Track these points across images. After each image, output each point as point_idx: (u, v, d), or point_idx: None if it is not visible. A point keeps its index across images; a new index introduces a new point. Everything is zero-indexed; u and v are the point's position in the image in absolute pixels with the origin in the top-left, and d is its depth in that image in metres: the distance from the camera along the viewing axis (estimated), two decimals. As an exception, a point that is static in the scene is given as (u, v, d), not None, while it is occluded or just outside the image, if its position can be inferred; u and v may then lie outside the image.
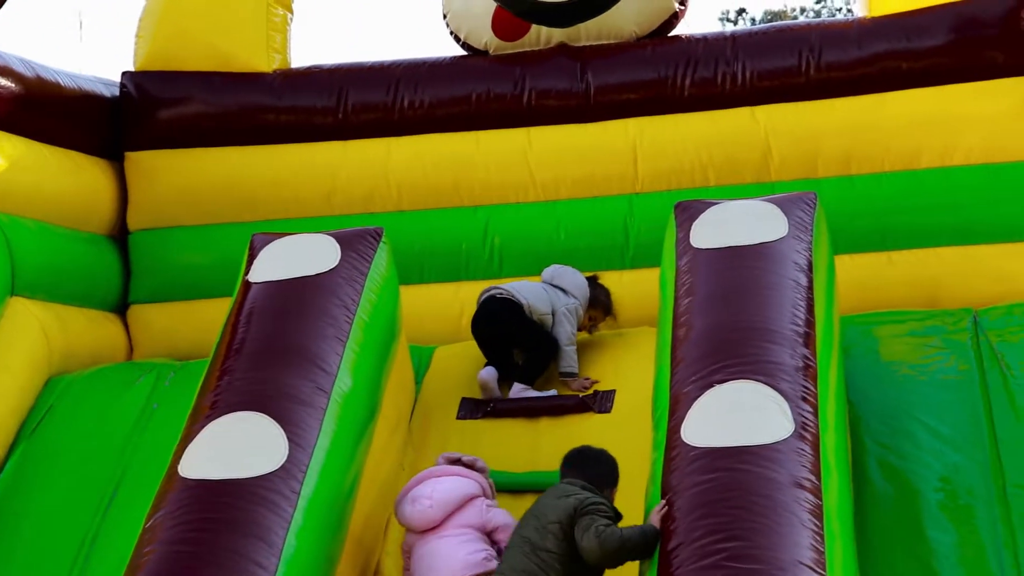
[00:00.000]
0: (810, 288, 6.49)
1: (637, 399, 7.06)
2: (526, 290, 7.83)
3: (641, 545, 5.53)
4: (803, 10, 31.03)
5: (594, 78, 8.78)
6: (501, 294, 7.81)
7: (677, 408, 5.92)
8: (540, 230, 8.79)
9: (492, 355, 7.73)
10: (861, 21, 8.71)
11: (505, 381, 7.67)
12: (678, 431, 5.77)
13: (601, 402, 7.55)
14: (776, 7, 31.51)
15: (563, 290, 7.89)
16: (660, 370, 6.36)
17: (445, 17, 9.08)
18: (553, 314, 7.78)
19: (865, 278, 8.40)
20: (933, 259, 8.31)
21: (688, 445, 5.67)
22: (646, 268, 8.24)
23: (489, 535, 6.47)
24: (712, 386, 5.89)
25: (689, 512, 5.40)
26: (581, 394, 7.57)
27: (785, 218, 6.83)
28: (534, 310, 7.74)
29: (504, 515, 6.49)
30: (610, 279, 8.62)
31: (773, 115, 8.62)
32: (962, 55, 8.39)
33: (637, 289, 8.29)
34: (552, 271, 8.03)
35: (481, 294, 7.92)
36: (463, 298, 8.66)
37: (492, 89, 8.84)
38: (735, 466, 5.50)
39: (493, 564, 6.25)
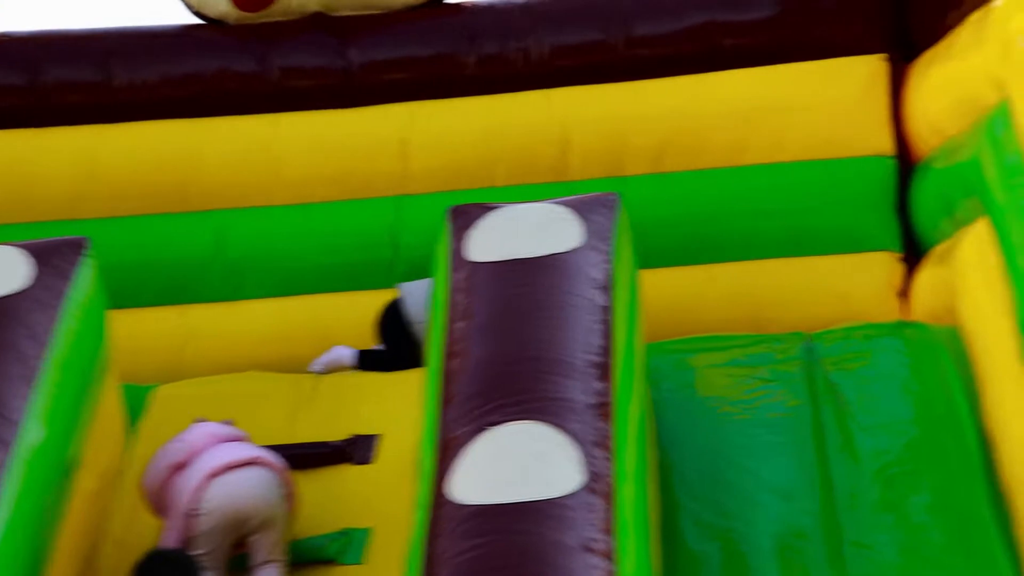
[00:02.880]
0: (608, 309, 6.57)
1: (405, 446, 7.07)
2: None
3: None
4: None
5: (357, 54, 8.81)
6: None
7: (445, 457, 5.92)
8: (288, 241, 8.77)
9: None
10: (678, -12, 8.90)
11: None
12: (445, 484, 5.77)
13: (361, 450, 7.53)
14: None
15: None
16: (428, 410, 6.36)
17: (170, -24, 9.01)
18: None
19: (679, 297, 8.55)
20: (759, 274, 8.51)
21: (456, 503, 5.67)
22: (420, 287, 8.28)
23: None
24: (486, 429, 5.90)
25: (456, 588, 5.40)
26: (336, 442, 7.56)
27: (580, 225, 6.90)
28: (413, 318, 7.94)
29: None
30: (374, 301, 8.63)
31: (573, 100, 8.75)
32: (794, 31, 8.65)
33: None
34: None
35: None
36: (190, 325, 8.62)
37: (230, 66, 8.79)
38: (512, 527, 5.50)
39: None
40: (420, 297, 7.91)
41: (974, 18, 7.82)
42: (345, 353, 8.20)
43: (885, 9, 8.66)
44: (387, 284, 8.73)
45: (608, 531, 5.59)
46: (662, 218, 8.62)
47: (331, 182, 8.80)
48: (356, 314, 8.76)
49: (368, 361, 8.16)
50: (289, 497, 6.80)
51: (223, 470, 6.70)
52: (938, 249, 8.26)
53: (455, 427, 6.02)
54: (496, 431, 5.90)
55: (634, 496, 5.93)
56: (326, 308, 8.81)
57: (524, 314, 6.47)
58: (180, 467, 6.80)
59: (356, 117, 8.81)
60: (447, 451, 5.93)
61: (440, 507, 5.72)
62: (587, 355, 6.30)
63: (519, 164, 8.76)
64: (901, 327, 7.93)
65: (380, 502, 7.05)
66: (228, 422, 7.09)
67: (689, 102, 8.69)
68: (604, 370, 6.29)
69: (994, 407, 6.90)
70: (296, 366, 8.36)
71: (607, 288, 6.66)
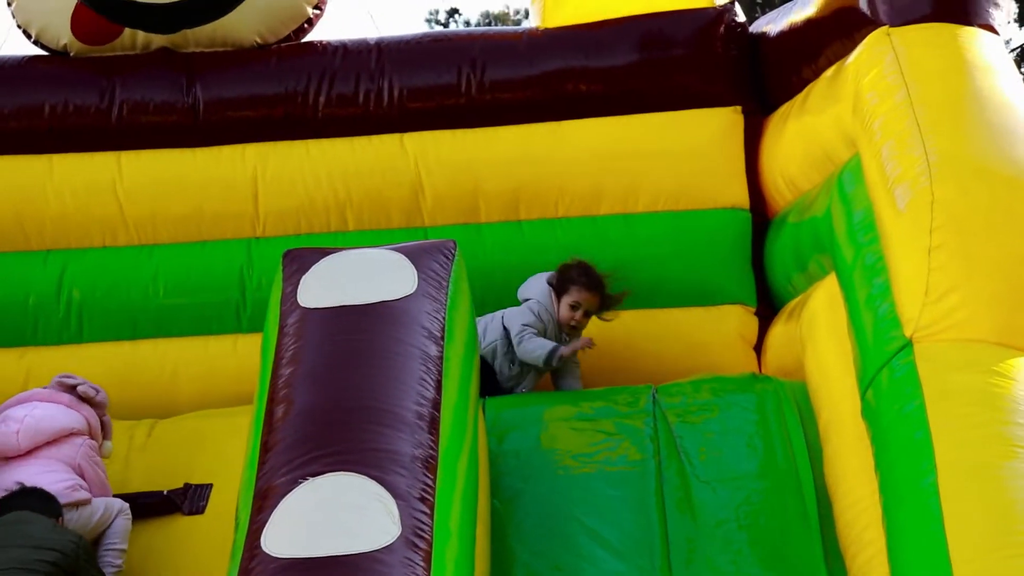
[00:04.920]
0: (440, 360, 6.57)
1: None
2: (479, 322, 7.98)
3: None
4: (528, 13, 31.67)
5: (204, 92, 8.76)
6: None
7: (263, 507, 5.89)
8: (132, 282, 8.70)
9: None
10: (532, 33, 8.94)
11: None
12: (260, 536, 5.74)
13: (193, 499, 7.49)
14: (496, 9, 32.17)
15: (528, 300, 8.16)
16: (249, 458, 6.33)
17: (10, 6, 8.90)
18: (509, 337, 8.04)
19: (535, 347, 8.60)
20: (614, 325, 8.51)
21: (269, 555, 5.64)
22: (269, 332, 8.24)
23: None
24: (305, 480, 5.88)
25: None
26: (166, 491, 7.50)
27: (415, 272, 6.90)
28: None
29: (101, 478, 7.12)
30: (222, 346, 8.58)
31: (426, 144, 8.77)
32: (649, 79, 8.71)
33: (258, 360, 8.25)
34: (522, 286, 8.27)
35: None
36: (29, 368, 8.52)
37: (71, 100, 8.72)
38: (323, 581, 5.49)
39: (84, 495, 6.93)
40: (481, 324, 8.02)
41: (828, 73, 7.94)
42: None
43: (741, 61, 8.74)
44: (236, 328, 8.72)
45: (426, 588, 5.59)
46: (517, 265, 8.62)
47: (177, 223, 8.74)
48: (205, 359, 8.73)
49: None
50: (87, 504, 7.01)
51: None
52: (791, 304, 8.35)
53: (274, 476, 5.99)
54: (315, 482, 5.88)
55: (457, 554, 5.93)
56: (173, 352, 8.75)
57: (352, 362, 6.44)
58: None
59: (204, 156, 8.76)
60: (265, 501, 5.90)
61: (253, 558, 5.69)
62: (415, 406, 6.29)
63: (371, 208, 8.76)
64: (751, 381, 7.97)
65: (210, 555, 6.97)
66: (58, 382, 7.39)
67: (544, 149, 8.72)
68: (433, 422, 6.28)
69: (833, 464, 6.97)
70: (139, 412, 8.29)
71: (440, 338, 6.66)
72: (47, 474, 6.98)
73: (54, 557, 6.33)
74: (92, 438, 7.31)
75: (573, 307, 8.14)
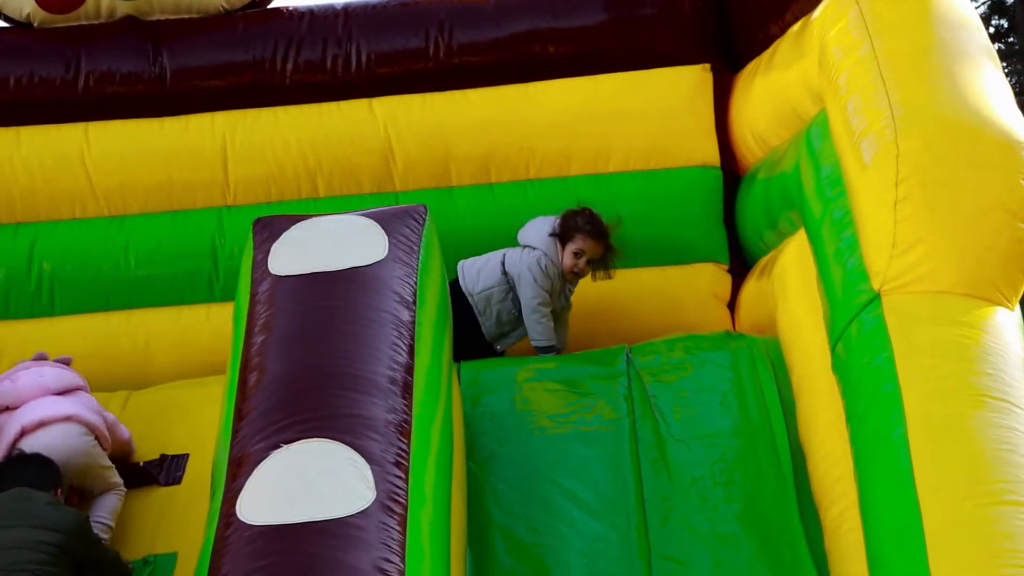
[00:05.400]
0: (413, 324, 6.59)
1: (215, 466, 7.05)
2: (471, 265, 8.13)
3: None
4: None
5: (171, 60, 8.76)
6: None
7: (238, 474, 5.90)
8: (103, 253, 8.72)
9: None
10: (500, -7, 8.95)
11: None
12: (235, 503, 5.76)
13: (169, 470, 7.51)
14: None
15: (532, 247, 8.15)
16: (223, 426, 6.34)
17: (-28, -22, 8.89)
18: (510, 282, 8.08)
19: (509, 310, 8.65)
20: (587, 285, 8.55)
21: (244, 522, 5.66)
22: (241, 301, 8.25)
23: None
24: (279, 447, 5.90)
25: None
26: (142, 463, 7.52)
27: (385, 237, 6.91)
28: (470, 289, 8.07)
29: None
30: (195, 316, 8.59)
31: (395, 109, 8.79)
32: (617, 39, 8.74)
33: (231, 329, 8.26)
34: (523, 229, 8.27)
35: None
36: (1, 344, 8.52)
37: (36, 72, 8.71)
38: (299, 547, 5.48)
39: (106, 434, 7.24)
40: (474, 268, 8.12)
41: (795, 29, 7.96)
42: None
43: (708, 19, 8.77)
44: (209, 298, 8.73)
45: (402, 553, 5.61)
46: (489, 228, 8.68)
47: (147, 193, 8.75)
48: (178, 329, 8.74)
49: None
50: (105, 444, 7.23)
51: (35, 427, 7.04)
52: (762, 261, 8.38)
53: (248, 444, 6.00)
54: (289, 449, 5.90)
55: (432, 517, 5.95)
56: (146, 323, 8.77)
57: (324, 329, 6.44)
58: (5, 409, 7.21)
59: (173, 126, 8.76)
60: (239, 469, 5.92)
61: (229, 526, 5.70)
62: (388, 371, 6.29)
63: (342, 175, 8.78)
64: (725, 339, 7.99)
65: (187, 525, 7.00)
66: (66, 359, 7.58)
67: (513, 112, 8.75)
68: (406, 387, 6.29)
69: (806, 418, 7.02)
70: (114, 384, 8.30)
71: (412, 303, 6.67)
72: (77, 405, 7.22)
73: (58, 539, 6.34)
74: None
75: (577, 255, 8.16)
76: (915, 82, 6.60)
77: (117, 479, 7.23)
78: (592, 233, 8.15)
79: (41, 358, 7.60)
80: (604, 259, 8.22)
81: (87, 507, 7.12)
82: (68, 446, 7.04)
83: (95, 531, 6.87)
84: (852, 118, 6.68)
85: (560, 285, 8.21)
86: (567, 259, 8.15)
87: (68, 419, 7.12)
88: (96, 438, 7.18)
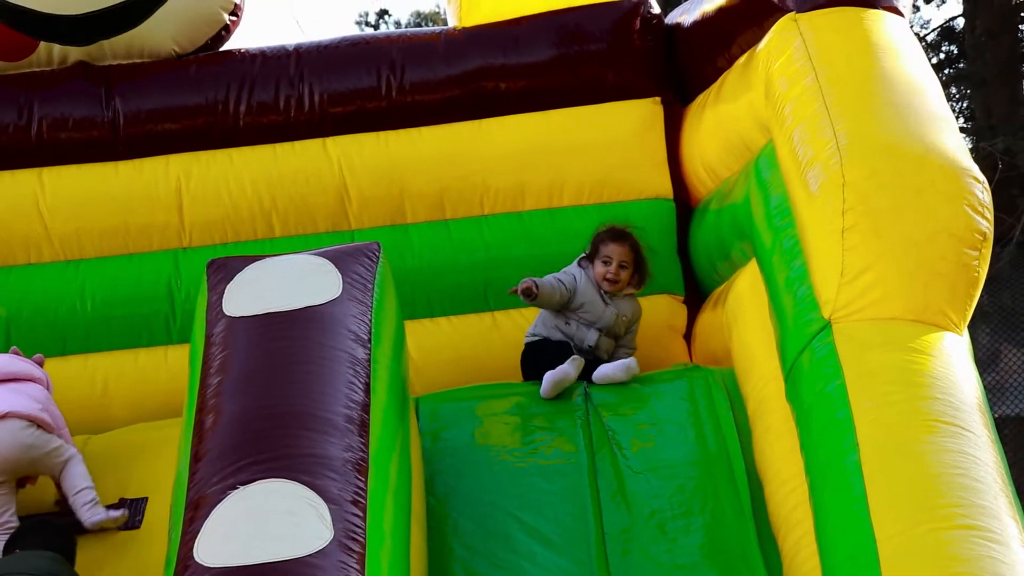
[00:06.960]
0: (369, 362, 6.60)
1: (174, 509, 7.03)
2: None
3: None
4: (461, 13, 31.54)
5: (123, 104, 8.78)
6: None
7: (195, 516, 5.90)
8: (59, 298, 8.71)
9: None
10: (450, 33, 8.98)
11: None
12: (192, 545, 5.75)
13: (129, 514, 7.49)
14: (427, 8, 32.15)
15: None
16: (180, 468, 6.34)
17: (-77, 26, 8.88)
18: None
19: (466, 344, 8.69)
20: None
21: (201, 565, 5.65)
22: (197, 343, 8.24)
23: None
24: (236, 488, 5.90)
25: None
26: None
27: (339, 276, 6.93)
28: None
29: None
30: (153, 359, 8.58)
31: (349, 147, 8.82)
32: (568, 74, 8.78)
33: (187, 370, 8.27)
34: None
35: None
36: (-40, 387, 8.44)
37: (-10, 118, 8.70)
38: (258, 588, 5.51)
39: (48, 420, 7.36)
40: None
41: (741, 61, 8.03)
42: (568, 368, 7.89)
43: (657, 53, 8.81)
44: (167, 340, 8.72)
45: (360, 592, 5.62)
46: (445, 265, 8.73)
47: (103, 237, 8.75)
48: (135, 372, 8.74)
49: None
50: (49, 428, 7.38)
51: None
52: (716, 291, 8.43)
53: (205, 486, 5.99)
54: (246, 490, 5.90)
55: (391, 555, 5.96)
56: (103, 366, 8.76)
57: (279, 369, 6.45)
58: None
59: (127, 170, 8.77)
60: (196, 511, 5.91)
61: (187, 569, 5.69)
62: (345, 410, 6.30)
63: (297, 214, 8.79)
64: (681, 371, 8.04)
65: (145, 569, 6.98)
66: (14, 350, 7.77)
67: (467, 148, 8.78)
68: (363, 425, 6.30)
69: (762, 446, 7.05)
70: (72, 428, 8.16)
71: (367, 342, 6.69)
72: (17, 395, 7.32)
73: None
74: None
75: (605, 262, 8.18)
76: (859, 111, 6.66)
77: (69, 449, 7.41)
78: (610, 236, 8.21)
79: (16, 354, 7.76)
80: (638, 261, 8.23)
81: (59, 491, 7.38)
82: (15, 443, 7.23)
83: (86, 501, 7.22)
84: (798, 148, 6.74)
85: (598, 298, 8.17)
86: (598, 268, 8.20)
87: (4, 417, 7.22)
88: (39, 426, 7.31)
